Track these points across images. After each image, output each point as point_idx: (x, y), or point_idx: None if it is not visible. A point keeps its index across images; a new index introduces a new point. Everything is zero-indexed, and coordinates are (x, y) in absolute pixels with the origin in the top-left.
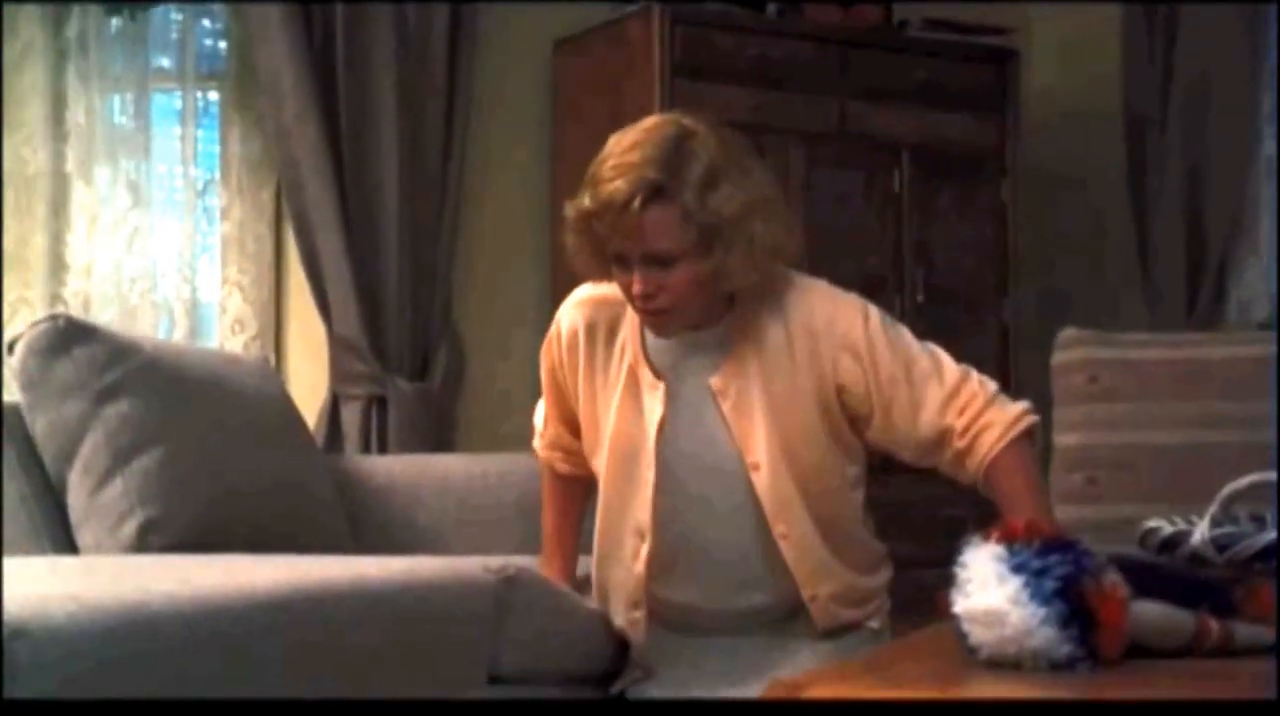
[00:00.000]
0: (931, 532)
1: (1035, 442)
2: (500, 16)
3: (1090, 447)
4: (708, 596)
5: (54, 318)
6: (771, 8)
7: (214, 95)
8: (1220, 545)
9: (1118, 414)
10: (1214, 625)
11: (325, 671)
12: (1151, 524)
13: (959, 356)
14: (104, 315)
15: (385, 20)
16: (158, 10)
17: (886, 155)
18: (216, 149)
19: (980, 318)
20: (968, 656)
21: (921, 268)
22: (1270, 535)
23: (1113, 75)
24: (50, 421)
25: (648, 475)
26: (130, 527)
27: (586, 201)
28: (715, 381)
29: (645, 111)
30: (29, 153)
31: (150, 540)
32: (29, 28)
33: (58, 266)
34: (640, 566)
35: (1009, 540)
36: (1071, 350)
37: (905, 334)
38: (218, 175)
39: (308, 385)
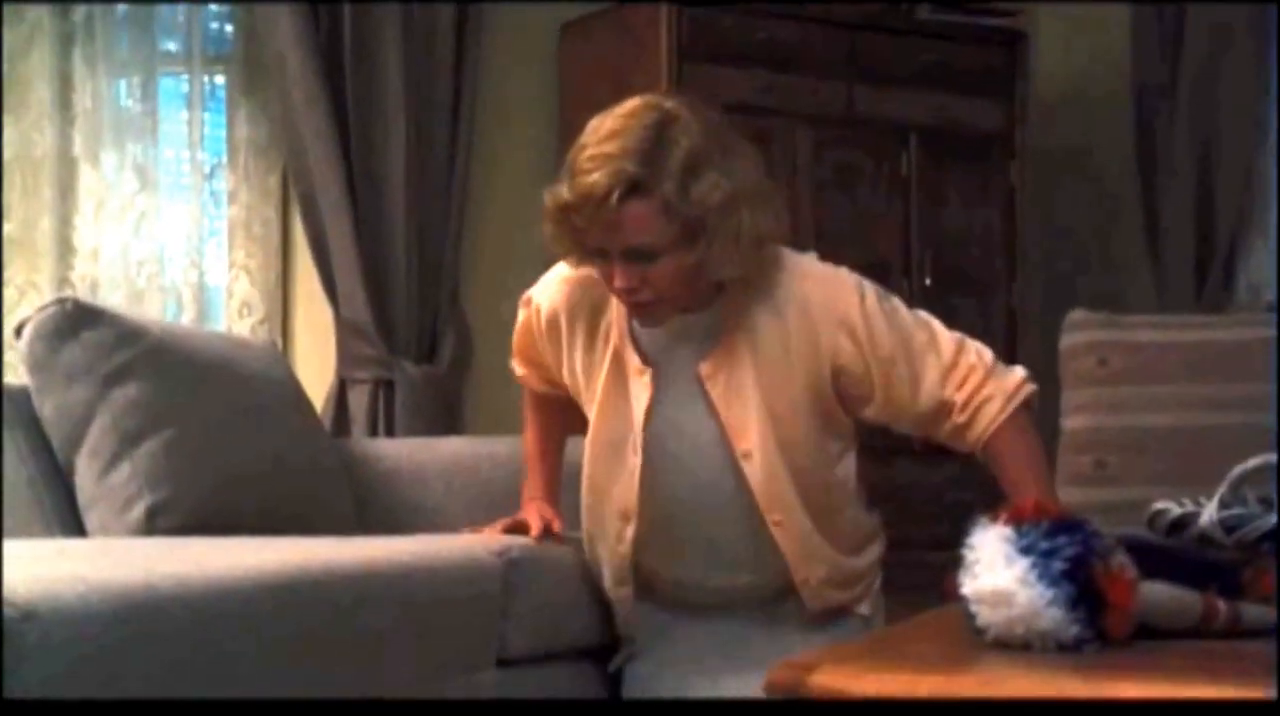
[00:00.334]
0: (937, 516)
1: (1034, 410)
2: (506, 1)
3: (1098, 430)
4: (696, 573)
5: (61, 301)
6: None
7: (221, 79)
8: (1228, 526)
9: (1126, 396)
10: (1222, 606)
11: (333, 653)
12: (1160, 505)
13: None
14: (111, 299)
15: (392, 4)
16: None
17: (894, 138)
18: (223, 132)
19: (988, 301)
20: (975, 637)
21: (929, 251)
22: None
23: (1121, 57)
24: (58, 404)
25: (633, 460)
26: (138, 510)
27: (564, 193)
28: (704, 367)
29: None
30: (36, 136)
31: (158, 523)
32: (36, 10)
33: (65, 250)
34: (625, 547)
35: (1017, 521)
36: (1080, 332)
37: (900, 307)
38: (225, 159)
39: (315, 369)
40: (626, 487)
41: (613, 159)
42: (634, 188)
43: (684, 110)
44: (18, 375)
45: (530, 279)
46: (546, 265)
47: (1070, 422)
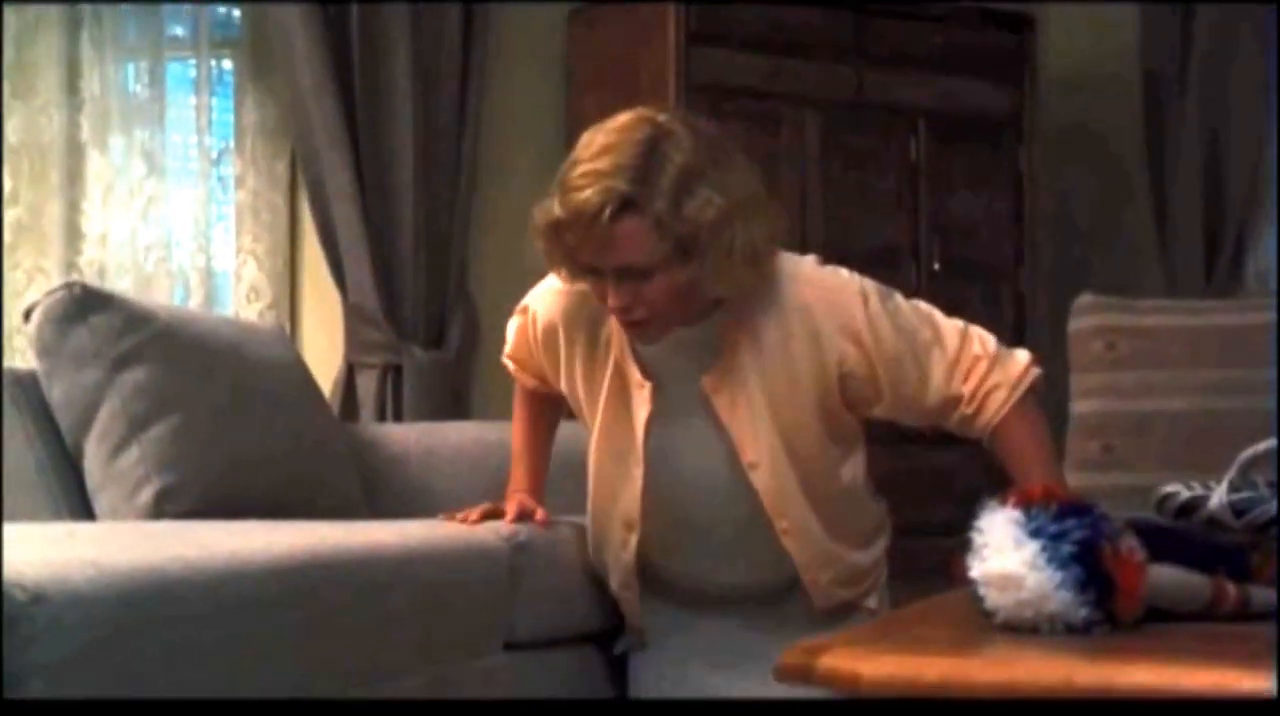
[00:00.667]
0: (946, 501)
1: (1040, 393)
2: None
3: (1107, 414)
4: (703, 573)
5: (70, 285)
6: None
7: (228, 64)
8: (1238, 510)
9: (1134, 381)
10: (1231, 589)
11: (341, 637)
12: (1168, 489)
13: (976, 324)
14: (119, 284)
15: None
16: None
17: (903, 123)
18: (231, 118)
19: (997, 286)
20: (983, 620)
21: (938, 236)
22: None
23: (1131, 42)
24: (66, 389)
25: (636, 472)
26: (147, 494)
27: (556, 209)
28: (707, 381)
29: (661, 80)
30: (44, 121)
31: (167, 507)
32: None
33: (73, 235)
34: (629, 555)
35: (1026, 504)
36: (1089, 317)
37: (902, 305)
38: (232, 144)
39: (323, 354)
40: (630, 498)
41: (604, 176)
42: (626, 205)
43: (677, 125)
44: (26, 360)
45: (537, 264)
46: None
47: (1079, 407)
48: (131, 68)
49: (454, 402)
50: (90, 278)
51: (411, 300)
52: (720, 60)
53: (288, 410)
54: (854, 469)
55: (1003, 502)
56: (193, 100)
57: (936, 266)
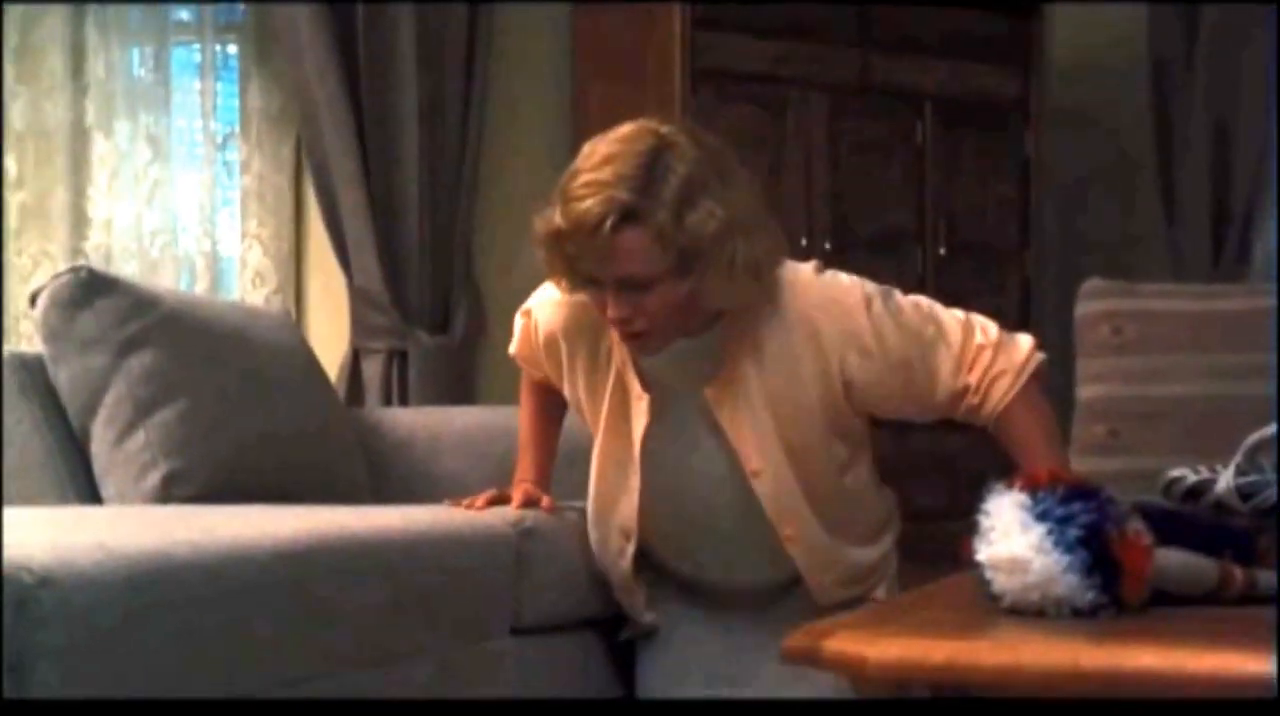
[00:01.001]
0: (952, 486)
1: (1044, 378)
2: None
3: (1113, 399)
4: (707, 576)
5: (76, 270)
6: None
7: (233, 48)
8: (1244, 494)
9: (1140, 366)
10: (1238, 572)
11: (348, 621)
12: (1175, 473)
13: (982, 309)
14: (125, 269)
15: None
16: None
17: (909, 107)
18: (236, 102)
19: (1003, 270)
20: (990, 604)
21: (944, 221)
22: None
23: (1138, 26)
24: (73, 373)
25: (633, 481)
26: (154, 479)
27: (557, 218)
28: (710, 392)
29: (666, 66)
30: (49, 106)
31: (173, 491)
32: None
33: (79, 220)
34: (626, 562)
35: (1032, 488)
36: (1095, 301)
37: (904, 305)
38: (237, 128)
39: (328, 338)
40: (628, 507)
41: (606, 186)
42: (627, 216)
43: (680, 137)
44: (34, 344)
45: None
46: None
47: (1084, 392)
48: (136, 52)
49: (459, 387)
50: (96, 263)
51: (417, 285)
52: (726, 46)
53: (293, 395)
54: (860, 468)
55: (1009, 486)
56: (198, 85)
57: (942, 251)
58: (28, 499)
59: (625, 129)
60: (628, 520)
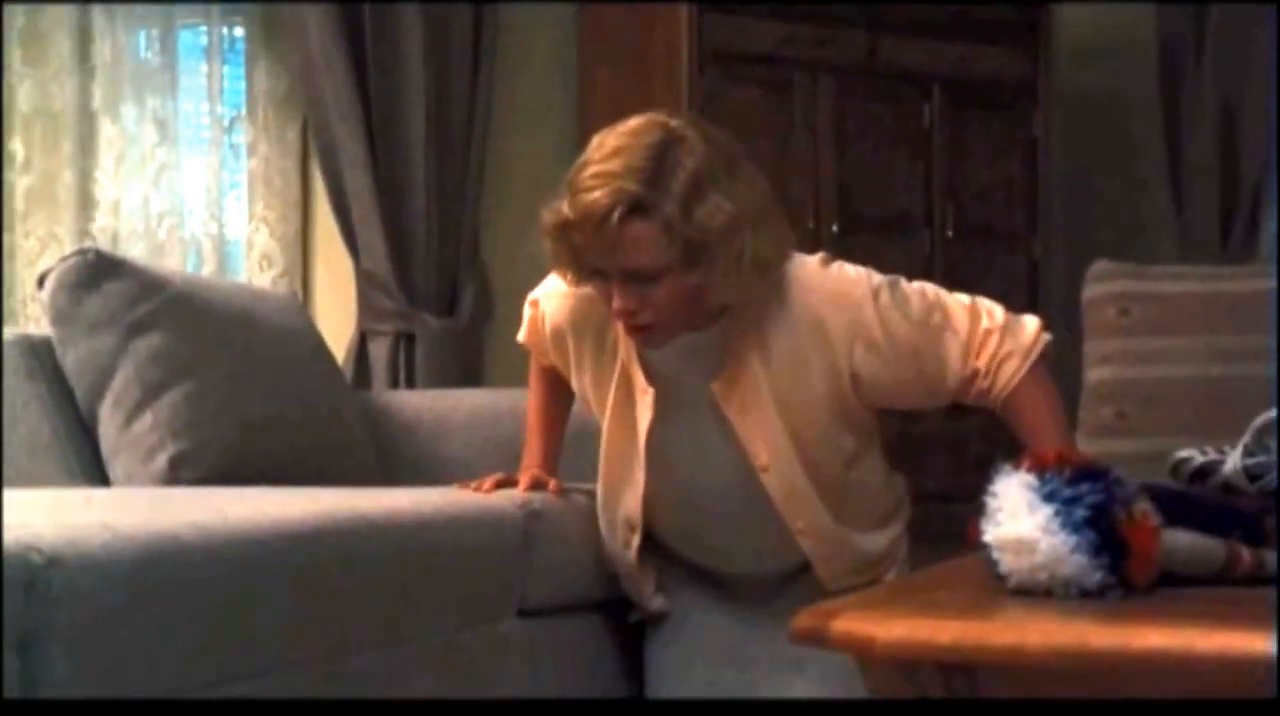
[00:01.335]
0: (960, 469)
1: (1051, 359)
2: None
3: (1120, 381)
4: (714, 564)
5: (83, 252)
6: None
7: (240, 31)
8: (1252, 474)
9: (1148, 347)
10: (1245, 553)
11: (356, 603)
12: (1183, 454)
13: (989, 292)
14: (132, 252)
15: None
16: None
17: (917, 89)
18: (242, 85)
19: (1011, 252)
20: (997, 585)
21: (952, 203)
22: None
23: (1147, 7)
24: (81, 355)
25: (639, 475)
26: (161, 461)
27: (565, 209)
28: (717, 386)
29: (674, 48)
30: (56, 89)
31: (181, 473)
32: None
33: (86, 203)
34: (632, 554)
35: (1040, 468)
36: (1103, 283)
37: (910, 294)
38: (244, 111)
39: (335, 321)
40: (632, 500)
41: (615, 177)
42: (635, 207)
43: (690, 130)
44: (42, 327)
45: None
46: None
47: (1092, 374)
48: (143, 35)
49: (466, 370)
50: (103, 245)
51: (424, 267)
52: (733, 27)
53: (301, 377)
54: (869, 457)
55: (1017, 467)
56: (204, 67)
57: (950, 234)
58: (36, 480)
59: (634, 122)
60: (633, 512)
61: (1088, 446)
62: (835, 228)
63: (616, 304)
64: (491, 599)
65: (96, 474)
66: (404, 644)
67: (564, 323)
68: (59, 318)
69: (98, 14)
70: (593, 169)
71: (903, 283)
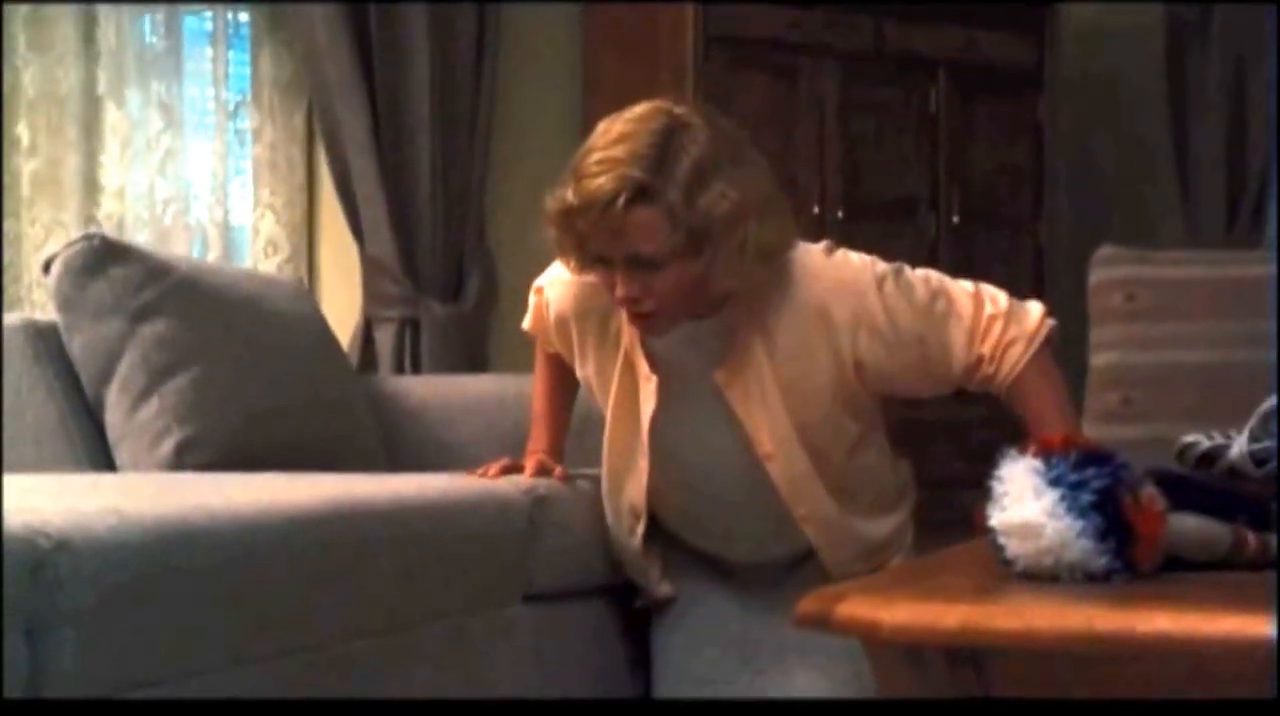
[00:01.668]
0: (965, 455)
1: (1055, 344)
2: None
3: (1126, 366)
4: (719, 550)
5: (89, 237)
6: None
7: (245, 16)
8: (1258, 459)
9: (1154, 332)
10: (1251, 538)
11: (362, 588)
12: (1189, 438)
13: (995, 277)
14: (137, 237)
15: None
16: None
17: (923, 74)
18: (247, 70)
19: (1016, 237)
20: (1003, 569)
21: (957, 187)
22: None
23: None
24: (87, 340)
25: (642, 463)
26: (168, 446)
27: (569, 196)
28: (720, 374)
29: (679, 32)
30: (61, 74)
31: (187, 458)
32: None
33: (91, 188)
34: (636, 541)
35: (1045, 453)
36: (1109, 268)
37: (914, 281)
38: (249, 97)
39: (341, 307)
40: (636, 488)
41: (620, 164)
42: (639, 194)
43: (694, 117)
44: (47, 312)
45: None
46: None
47: (1098, 359)
48: (148, 20)
49: (472, 356)
50: (108, 231)
51: (429, 253)
52: (738, 12)
53: (307, 363)
54: (873, 444)
55: (1022, 451)
56: (209, 53)
57: (956, 218)
58: (42, 466)
59: (639, 108)
60: (636, 500)
61: (1093, 431)
62: (841, 213)
63: (620, 291)
64: (497, 584)
65: (102, 459)
66: (410, 629)
67: (568, 310)
68: (65, 303)
69: None
70: (597, 155)
71: (906, 270)
